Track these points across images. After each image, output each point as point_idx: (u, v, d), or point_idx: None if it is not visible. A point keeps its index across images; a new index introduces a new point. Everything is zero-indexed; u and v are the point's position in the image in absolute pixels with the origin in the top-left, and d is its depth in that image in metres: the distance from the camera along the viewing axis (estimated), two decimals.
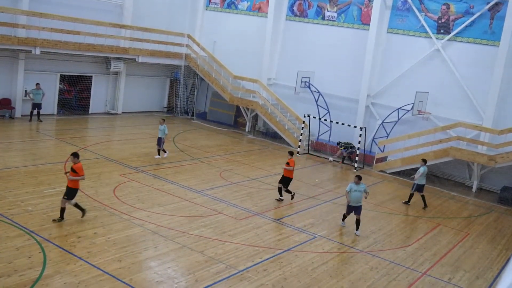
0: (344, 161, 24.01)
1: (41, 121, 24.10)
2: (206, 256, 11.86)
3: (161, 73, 30.97)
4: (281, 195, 16.85)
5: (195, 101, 31.73)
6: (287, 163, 16.72)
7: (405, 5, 24.44)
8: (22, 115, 24.44)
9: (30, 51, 23.49)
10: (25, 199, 13.92)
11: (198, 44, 30.06)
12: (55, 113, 26.22)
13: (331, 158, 24.28)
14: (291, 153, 17.11)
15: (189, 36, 30.16)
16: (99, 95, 28.34)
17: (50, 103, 25.73)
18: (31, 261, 10.49)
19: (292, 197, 16.99)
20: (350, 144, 24.06)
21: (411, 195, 18.54)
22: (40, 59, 24.40)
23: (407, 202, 18.59)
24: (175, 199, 15.55)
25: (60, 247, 11.27)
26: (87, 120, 26.80)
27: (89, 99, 28.00)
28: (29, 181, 15.52)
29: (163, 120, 20.29)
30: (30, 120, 23.91)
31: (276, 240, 13.45)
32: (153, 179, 17.31)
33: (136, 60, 28.03)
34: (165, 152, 20.37)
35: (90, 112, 28.01)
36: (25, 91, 24.37)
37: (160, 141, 19.99)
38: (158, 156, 20.08)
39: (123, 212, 13.87)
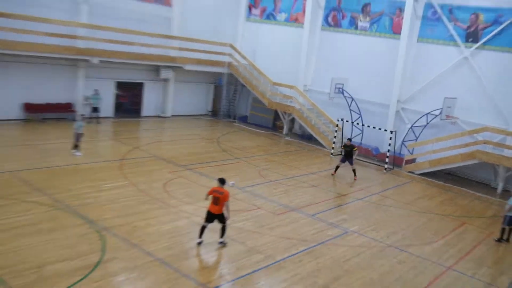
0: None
1: (99, 123, 24.91)
2: (247, 247, 12.12)
3: (206, 79, 31.44)
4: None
5: (237, 106, 32.09)
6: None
7: (435, 15, 24.15)
8: (82, 115, 25.26)
9: (88, 60, 24.28)
10: (86, 192, 14.47)
11: (239, 53, 30.38)
12: (112, 115, 27.02)
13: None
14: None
15: (231, 46, 30.52)
16: (150, 100, 29.00)
17: (107, 107, 26.52)
18: (92, 247, 10.96)
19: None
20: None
21: (503, 230, 15.09)
22: (98, 67, 25.14)
23: (501, 240, 15.03)
24: None
25: (118, 235, 11.71)
26: (140, 122, 27.49)
27: (141, 103, 28.73)
28: (90, 176, 16.11)
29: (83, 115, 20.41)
30: (90, 122, 24.74)
31: (310, 234, 13.59)
32: (199, 176, 17.69)
33: (184, 68, 28.53)
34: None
35: (142, 115, 28.71)
36: (85, 96, 25.21)
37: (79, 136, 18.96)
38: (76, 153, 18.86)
39: (172, 206, 14.28)
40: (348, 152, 20.31)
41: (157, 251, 11.18)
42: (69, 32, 23.24)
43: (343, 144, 22.37)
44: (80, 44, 23.79)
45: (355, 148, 20.60)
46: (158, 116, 29.38)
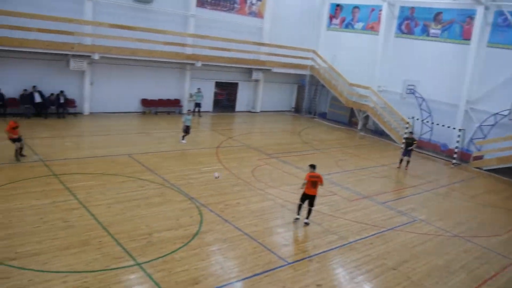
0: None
1: (201, 116, 25.53)
2: (322, 228, 11.80)
3: (290, 80, 31.18)
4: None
5: (317, 103, 31.51)
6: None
7: (505, 21, 22.02)
8: (187, 110, 26.04)
9: (194, 64, 24.96)
10: (189, 174, 14.83)
11: (320, 58, 29.75)
12: (211, 110, 27.62)
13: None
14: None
15: (313, 51, 29.96)
16: (243, 97, 29.28)
17: (208, 103, 27.12)
18: (192, 220, 11.20)
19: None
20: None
21: None
22: (201, 69, 25.76)
23: None
24: (300, 181, 15.48)
25: (213, 211, 11.89)
26: (234, 116, 27.84)
27: (236, 100, 29.08)
28: (192, 160, 16.51)
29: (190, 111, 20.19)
30: (193, 115, 25.41)
31: (381, 220, 12.96)
32: (283, 164, 17.53)
33: (272, 70, 28.50)
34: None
35: (236, 110, 29.07)
36: (190, 93, 25.98)
37: (189, 128, 19.20)
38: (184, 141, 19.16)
39: (259, 188, 14.25)
40: (409, 144, 19.17)
41: (245, 227, 11.18)
42: (180, 41, 23.98)
43: (405, 137, 21.15)
44: (188, 50, 24.48)
45: (415, 141, 19.54)
46: (249, 111, 29.59)
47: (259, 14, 28.01)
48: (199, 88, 25.57)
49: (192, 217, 11.34)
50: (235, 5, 26.76)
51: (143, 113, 24.51)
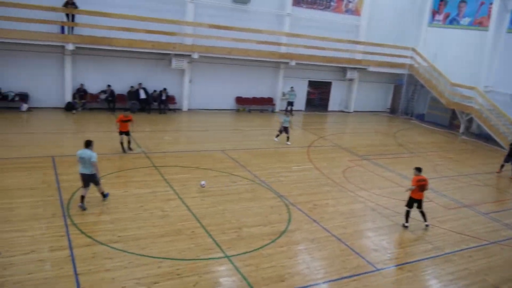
0: None
1: (292, 115, 25.56)
2: (416, 235, 11.21)
3: (386, 80, 30.01)
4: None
5: (415, 104, 29.97)
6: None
7: None
8: (280, 110, 26.38)
9: (288, 63, 25.12)
10: (279, 171, 14.96)
11: (420, 56, 28.22)
12: (303, 109, 27.61)
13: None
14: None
15: (413, 49, 28.51)
16: (336, 97, 28.84)
17: (300, 102, 27.15)
18: (280, 218, 11.29)
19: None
20: None
21: None
22: (295, 68, 25.85)
23: None
24: (392, 184, 15.01)
25: (301, 210, 11.87)
26: (326, 116, 27.53)
27: (328, 99, 28.72)
28: (282, 158, 16.65)
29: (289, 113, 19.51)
30: (285, 114, 25.52)
31: (483, 232, 11.94)
32: (375, 166, 16.97)
33: (367, 69, 27.70)
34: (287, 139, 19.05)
35: (328, 110, 28.73)
36: (283, 92, 26.20)
37: (287, 129, 18.81)
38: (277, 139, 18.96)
39: (349, 190, 13.95)
40: None
41: (333, 228, 11.01)
42: (275, 40, 24.27)
43: (511, 142, 19.21)
44: (282, 49, 24.70)
45: None
46: (342, 111, 29.06)
47: (356, 12, 27.33)
48: (292, 87, 25.68)
49: (280, 215, 11.44)
50: (332, 3, 26.41)
51: (237, 110, 25.25)
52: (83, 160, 10.28)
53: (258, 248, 9.57)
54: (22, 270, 7.83)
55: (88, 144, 10.43)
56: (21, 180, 11.86)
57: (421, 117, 29.03)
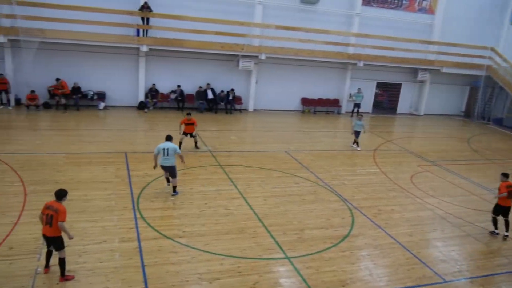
0: None
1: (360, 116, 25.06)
2: (489, 248, 10.51)
3: (461, 81, 28.42)
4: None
5: (493, 108, 28.11)
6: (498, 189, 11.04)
7: None
8: (346, 112, 25.93)
9: (355, 64, 24.61)
10: (343, 174, 14.70)
11: (501, 56, 26.38)
12: (370, 111, 26.92)
13: None
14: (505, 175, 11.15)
15: (492, 49, 26.72)
16: (405, 99, 27.82)
17: (367, 104, 26.51)
18: (343, 221, 11.09)
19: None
20: None
21: None
22: (362, 69, 25.27)
23: None
24: (465, 192, 14.19)
25: (365, 215, 11.59)
26: (394, 118, 26.63)
27: (397, 102, 27.76)
28: (347, 161, 16.36)
29: (361, 116, 18.44)
30: (351, 116, 25.13)
31: None
32: (446, 173, 16.14)
33: (440, 70, 26.42)
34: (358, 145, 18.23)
35: (397, 112, 27.78)
36: (350, 93, 25.72)
37: (358, 134, 17.98)
38: (354, 146, 18.23)
39: (416, 196, 13.39)
40: None
41: (399, 235, 10.62)
42: (342, 41, 23.88)
43: None
44: (350, 50, 24.25)
45: None
46: (412, 114, 27.97)
47: (429, 10, 26.15)
48: (359, 88, 25.12)
49: (343, 219, 11.24)
50: (404, 2, 25.48)
51: (302, 111, 25.15)
52: (167, 152, 11.33)
53: (319, 251, 9.47)
54: (94, 258, 8.35)
55: (169, 138, 11.64)
56: (96, 174, 12.64)
57: (499, 122, 27.17)
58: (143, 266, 8.27)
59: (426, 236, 10.84)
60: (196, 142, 16.01)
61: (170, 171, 11.58)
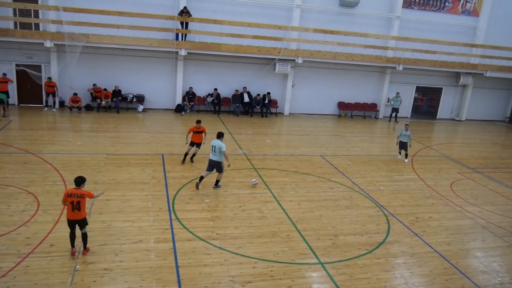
0: None
1: (397, 122, 24.52)
2: None
3: (506, 86, 27.32)
4: None
5: None
6: None
7: None
8: (383, 117, 25.44)
9: (395, 68, 24.12)
10: (379, 180, 14.43)
11: None
12: (409, 116, 26.31)
13: None
14: None
15: None
16: (446, 104, 27.01)
17: (405, 108, 25.92)
18: (378, 228, 10.88)
19: None
20: None
21: None
22: (401, 73, 24.75)
23: None
24: (508, 202, 13.60)
25: (402, 222, 11.31)
26: (434, 124, 25.89)
27: (438, 106, 26.98)
28: (384, 167, 16.02)
29: (408, 125, 17.04)
30: (389, 121, 24.64)
31: None
32: (488, 180, 15.54)
33: (484, 74, 25.49)
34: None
35: (437, 117, 27.01)
36: (388, 98, 25.22)
37: (405, 145, 16.81)
38: (400, 156, 17.28)
39: (456, 204, 12.96)
40: None
41: (437, 244, 10.30)
42: (381, 44, 23.48)
43: None
44: (389, 53, 23.80)
45: None
46: (452, 119, 27.10)
47: (473, 12, 25.30)
48: (398, 93, 24.60)
49: (378, 225, 11.02)
50: (447, 4, 24.77)
51: (339, 116, 24.87)
52: (214, 149, 11.89)
53: (353, 258, 9.33)
54: (130, 258, 8.56)
55: (220, 135, 12.08)
56: (134, 175, 12.96)
57: None
58: (177, 266, 8.40)
59: (466, 245, 10.47)
60: (194, 155, 14.42)
61: (216, 166, 12.08)
